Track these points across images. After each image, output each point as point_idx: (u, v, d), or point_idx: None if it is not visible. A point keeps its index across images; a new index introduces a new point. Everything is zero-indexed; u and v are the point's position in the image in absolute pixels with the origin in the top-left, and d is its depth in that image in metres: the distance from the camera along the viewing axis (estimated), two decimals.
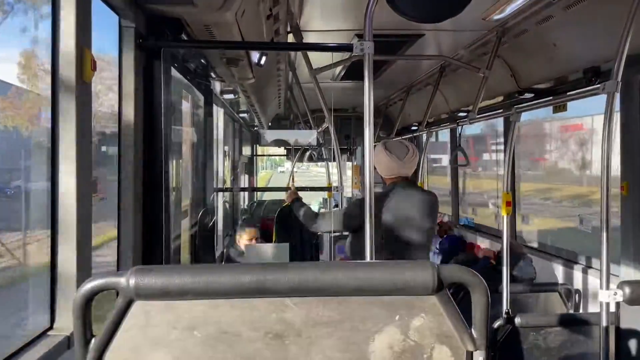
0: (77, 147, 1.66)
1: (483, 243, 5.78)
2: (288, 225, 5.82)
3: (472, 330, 1.12)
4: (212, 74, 3.75)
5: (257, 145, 10.37)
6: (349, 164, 9.40)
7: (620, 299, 1.93)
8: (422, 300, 1.11)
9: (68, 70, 1.65)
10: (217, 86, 4.57)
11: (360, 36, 3.20)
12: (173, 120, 2.81)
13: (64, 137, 1.65)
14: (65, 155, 1.65)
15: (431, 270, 1.10)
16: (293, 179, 6.99)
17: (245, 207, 9.64)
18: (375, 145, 3.71)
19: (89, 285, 1.05)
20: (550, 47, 3.54)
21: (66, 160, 1.65)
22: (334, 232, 3.61)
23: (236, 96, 5.22)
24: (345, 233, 3.95)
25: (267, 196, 10.68)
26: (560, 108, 3.70)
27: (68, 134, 1.65)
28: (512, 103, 4.30)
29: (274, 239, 5.96)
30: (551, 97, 3.66)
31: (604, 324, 2.14)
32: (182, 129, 3.43)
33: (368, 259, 2.22)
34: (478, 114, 4.18)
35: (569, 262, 4.24)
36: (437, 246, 5.90)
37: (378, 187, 3.42)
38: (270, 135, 7.77)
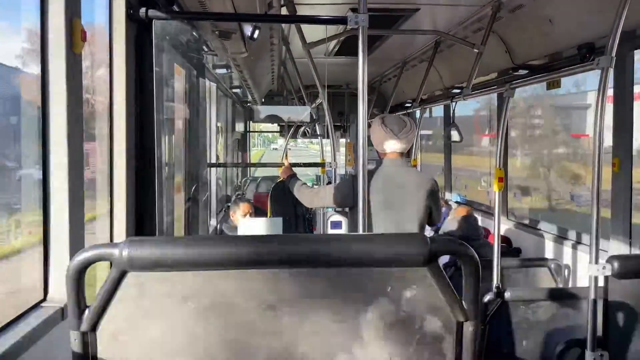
0: (68, 120, 1.64)
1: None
2: (282, 200, 5.83)
3: (463, 301, 1.14)
4: (204, 48, 3.70)
5: (251, 121, 10.32)
6: (343, 141, 9.39)
7: (608, 272, 1.96)
8: (413, 272, 1.12)
9: (57, 41, 1.62)
10: (209, 60, 4.52)
11: (354, 10, 3.16)
12: (165, 94, 2.78)
13: (55, 110, 1.64)
14: (56, 127, 1.64)
15: (423, 242, 1.11)
16: (287, 155, 6.98)
17: (239, 183, 9.63)
18: (371, 121, 3.70)
19: (82, 257, 1.05)
20: (545, 22, 3.52)
21: (57, 132, 1.64)
22: (327, 208, 3.62)
23: (229, 71, 5.16)
24: (339, 209, 3.96)
25: (260, 172, 10.68)
26: (554, 84, 3.70)
27: (59, 107, 1.64)
28: (506, 79, 4.29)
29: (268, 215, 5.98)
30: (545, 74, 3.65)
31: (592, 297, 2.18)
32: (174, 104, 3.40)
33: (361, 232, 2.23)
34: (472, 91, 4.17)
35: (560, 238, 4.29)
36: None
37: (372, 165, 3.42)
38: (263, 111, 7.73)
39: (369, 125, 3.25)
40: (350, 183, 3.29)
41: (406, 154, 3.41)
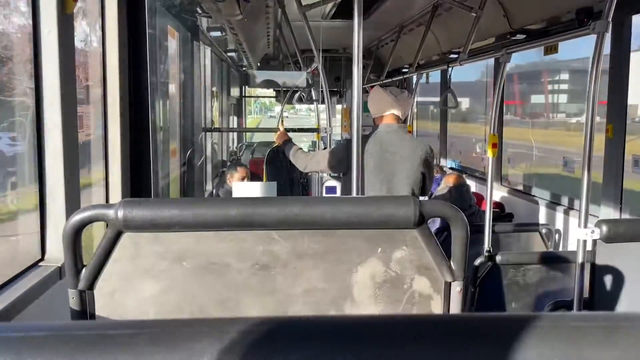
0: (61, 80, 1.63)
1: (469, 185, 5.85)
2: (277, 165, 5.84)
3: (452, 262, 1.17)
4: (198, 10, 3.64)
5: (246, 86, 10.23)
6: (339, 107, 9.33)
7: (597, 236, 1.99)
8: (403, 234, 1.15)
9: (49, 1, 1.60)
10: (203, 23, 4.44)
11: None
12: (158, 56, 2.75)
13: (47, 70, 1.62)
14: (49, 88, 1.63)
15: (412, 204, 1.13)
16: (282, 120, 6.95)
17: (235, 148, 9.62)
18: (365, 90, 3.67)
19: (78, 217, 1.07)
20: None
21: (50, 93, 1.63)
22: (321, 172, 3.63)
23: (223, 34, 5.09)
24: (334, 174, 3.98)
25: (256, 138, 10.64)
26: (551, 50, 3.67)
27: (51, 67, 1.62)
28: (503, 44, 4.25)
29: (264, 179, 6.00)
30: (542, 38, 3.62)
31: (580, 260, 2.22)
32: (168, 66, 3.36)
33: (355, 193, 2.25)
34: (469, 56, 4.14)
35: (553, 204, 4.33)
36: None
37: (367, 131, 3.42)
38: (259, 75, 7.64)
39: (365, 91, 3.24)
40: (345, 148, 3.29)
41: (403, 122, 3.41)
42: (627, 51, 3.28)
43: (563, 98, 7.32)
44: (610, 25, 2.22)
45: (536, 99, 7.45)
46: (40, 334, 0.43)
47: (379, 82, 7.47)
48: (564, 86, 7.22)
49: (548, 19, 3.82)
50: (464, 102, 8.48)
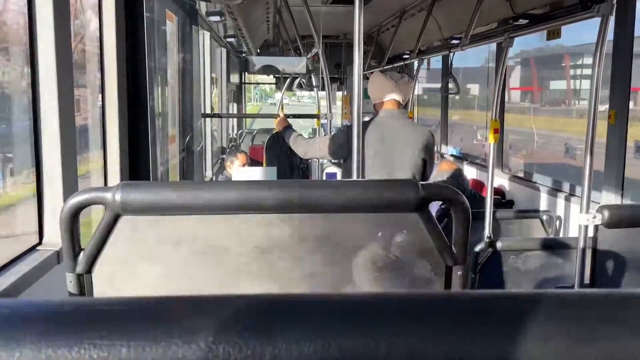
0: (57, 59, 1.61)
1: (470, 172, 5.85)
2: (277, 152, 5.83)
3: (452, 246, 1.16)
4: None
5: (246, 73, 10.17)
6: (339, 93, 9.28)
7: (598, 222, 1.98)
8: (404, 218, 1.13)
9: None
10: (202, 7, 4.40)
11: None
12: (157, 41, 2.73)
13: (43, 50, 1.60)
14: (45, 71, 1.61)
15: (414, 188, 1.11)
16: (282, 107, 6.93)
17: (234, 135, 9.60)
18: (366, 76, 3.64)
19: (75, 200, 1.06)
20: None
21: (47, 76, 1.61)
22: (321, 158, 3.62)
23: (222, 19, 5.03)
24: (334, 160, 3.97)
25: (257, 125, 10.62)
26: (554, 34, 3.63)
27: (46, 47, 1.60)
28: (505, 29, 4.21)
29: (264, 165, 5.99)
30: (545, 23, 3.58)
31: (581, 246, 2.22)
32: (166, 51, 3.33)
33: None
34: (471, 41, 4.10)
35: (554, 190, 4.32)
36: None
37: (367, 117, 3.40)
38: (259, 61, 7.60)
39: (365, 77, 3.22)
40: (345, 133, 3.27)
41: (403, 107, 3.38)
42: (630, 35, 3.25)
43: (586, 84, 7.07)
44: (615, 7, 2.19)
45: (556, 84, 7.10)
46: (29, 310, 0.41)
47: (379, 68, 7.42)
48: (587, 71, 7.00)
49: (551, 3, 3.78)
50: (473, 89, 8.30)
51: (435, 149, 6.40)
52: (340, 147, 3.26)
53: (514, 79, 7.21)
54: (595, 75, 2.29)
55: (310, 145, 3.52)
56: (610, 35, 2.55)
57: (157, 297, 0.44)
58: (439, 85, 6.63)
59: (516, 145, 6.68)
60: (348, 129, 3.26)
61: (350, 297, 0.45)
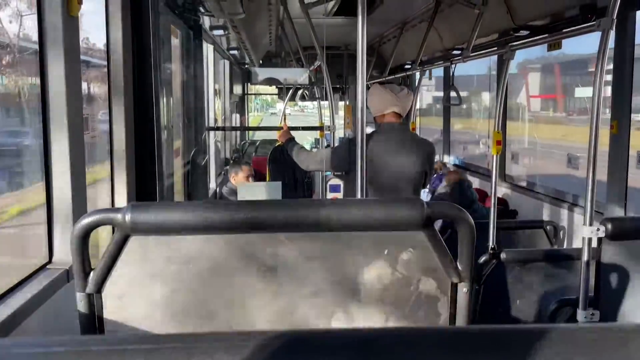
0: (66, 84, 1.64)
1: (473, 182, 5.85)
2: (281, 164, 5.85)
3: (458, 263, 1.17)
4: (201, 9, 3.64)
5: (248, 84, 10.22)
6: (342, 103, 9.31)
7: (602, 234, 1.99)
8: (410, 236, 1.15)
9: (54, 4, 1.60)
10: (206, 22, 4.44)
11: None
12: (162, 57, 2.76)
13: (52, 75, 1.63)
14: (54, 91, 1.64)
15: (419, 206, 1.13)
16: (285, 118, 6.95)
17: (237, 146, 9.62)
18: (368, 86, 3.66)
19: (86, 221, 1.08)
20: None
21: (56, 97, 1.64)
22: (324, 171, 3.63)
23: (226, 32, 5.08)
24: (337, 173, 3.98)
25: (259, 135, 10.64)
26: (555, 46, 3.66)
27: (56, 72, 1.63)
28: (507, 41, 4.23)
29: (267, 178, 6.00)
30: (546, 35, 3.60)
31: (586, 258, 2.22)
32: (171, 66, 3.36)
33: (359, 197, 2.26)
34: (472, 52, 4.13)
35: (557, 200, 4.32)
36: (428, 186, 5.97)
37: (370, 128, 3.42)
38: (261, 73, 7.64)
39: (367, 87, 3.24)
40: (347, 146, 3.29)
41: (405, 119, 3.41)
42: (631, 47, 3.27)
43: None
44: (615, 22, 2.21)
45: (582, 92, 6.78)
46: (58, 349, 0.43)
47: (381, 79, 7.45)
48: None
49: (551, 15, 3.81)
50: (475, 96, 8.17)
51: (437, 158, 6.39)
52: (342, 160, 3.28)
53: (534, 86, 6.97)
54: (597, 87, 2.31)
55: (312, 158, 3.54)
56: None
57: (178, 335, 0.46)
58: (464, 93, 6.47)
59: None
60: (350, 141, 3.28)
61: (360, 333, 0.46)
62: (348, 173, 3.36)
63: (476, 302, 2.95)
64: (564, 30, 3.14)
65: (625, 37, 3.26)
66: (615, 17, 2.20)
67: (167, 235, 1.10)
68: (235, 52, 7.50)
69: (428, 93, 9.25)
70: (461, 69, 5.17)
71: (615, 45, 3.30)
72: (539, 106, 6.84)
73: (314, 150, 3.80)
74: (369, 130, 3.18)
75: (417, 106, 6.59)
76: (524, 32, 4.14)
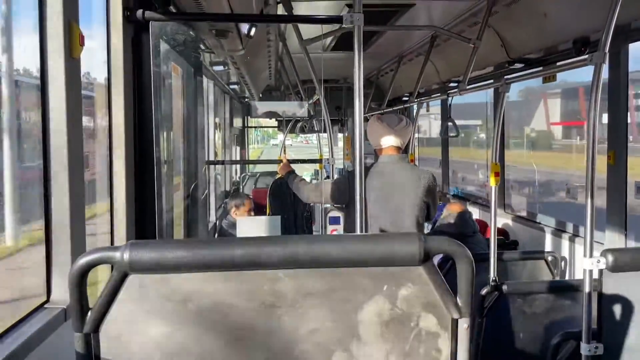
0: (67, 124, 1.66)
1: (473, 212, 5.85)
2: (281, 197, 5.86)
3: (458, 298, 1.17)
4: (201, 46, 3.71)
5: (248, 117, 10.32)
6: (340, 135, 9.39)
7: (603, 266, 1.98)
8: (409, 271, 1.15)
9: (56, 45, 1.64)
10: (206, 58, 4.52)
11: (350, 5, 3.17)
12: (163, 92, 2.80)
13: (54, 114, 1.65)
14: (55, 131, 1.66)
15: (417, 241, 1.13)
16: (285, 150, 7.00)
17: (237, 179, 9.65)
18: (367, 118, 3.70)
19: (84, 260, 1.08)
20: (540, 17, 3.53)
21: (57, 136, 1.66)
22: (324, 203, 3.65)
23: (226, 68, 5.17)
24: (337, 205, 3.99)
25: (259, 168, 10.69)
26: (549, 78, 3.72)
27: (58, 111, 1.65)
28: (502, 73, 4.30)
29: (267, 211, 6.00)
30: (541, 68, 3.66)
31: (587, 290, 2.21)
32: (172, 102, 3.41)
33: (358, 231, 2.26)
34: (469, 84, 4.19)
35: (558, 231, 4.31)
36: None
37: (370, 159, 3.45)
38: (261, 106, 7.73)
39: (365, 120, 3.28)
40: (346, 180, 3.31)
41: (404, 150, 3.43)
42: (625, 79, 3.32)
43: None
44: (607, 55, 2.25)
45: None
46: None
47: (379, 111, 7.53)
48: None
49: (545, 48, 3.88)
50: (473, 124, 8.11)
51: (438, 189, 6.40)
52: (342, 193, 3.29)
53: (554, 112, 6.78)
54: (592, 119, 2.33)
55: (312, 190, 3.56)
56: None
57: None
58: (478, 122, 6.38)
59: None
60: (350, 174, 3.30)
61: None
62: (347, 206, 3.37)
63: (479, 335, 2.92)
64: (558, 64, 3.20)
65: (619, 69, 3.32)
66: (607, 51, 2.24)
67: (166, 274, 1.10)
68: (235, 86, 7.61)
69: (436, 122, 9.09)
70: (475, 96, 4.98)
71: (609, 77, 3.35)
72: (561, 134, 6.58)
73: (314, 182, 3.82)
74: (369, 161, 3.21)
75: (416, 136, 6.63)
76: (519, 65, 4.21)
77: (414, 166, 3.51)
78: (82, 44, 1.72)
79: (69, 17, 1.66)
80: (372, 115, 4.06)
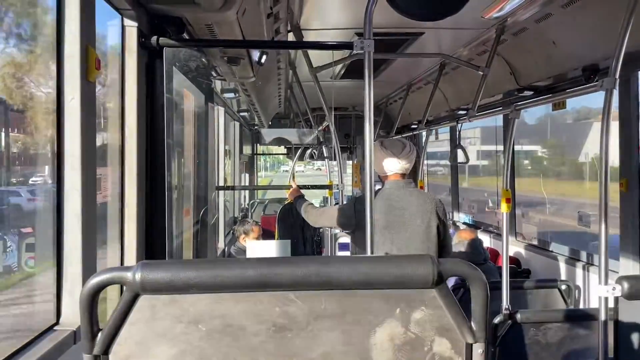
0: (82, 146, 1.68)
1: (484, 240, 5.79)
2: (290, 222, 5.85)
3: (472, 323, 1.14)
4: (213, 73, 3.76)
5: (258, 144, 10.39)
6: (350, 162, 9.42)
7: (618, 294, 1.94)
8: (422, 294, 1.13)
9: (72, 69, 1.67)
10: (218, 85, 4.58)
11: (360, 34, 3.21)
12: (174, 118, 2.83)
13: (69, 136, 1.67)
14: (70, 153, 1.67)
15: (431, 264, 1.12)
16: (294, 176, 7.02)
17: (246, 205, 9.66)
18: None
19: (95, 280, 1.07)
20: (549, 44, 3.55)
21: (71, 158, 1.67)
22: (331, 228, 3.63)
23: (237, 95, 5.23)
24: (345, 231, 3.97)
25: (268, 195, 10.71)
26: (559, 105, 3.72)
27: (73, 133, 1.67)
28: (511, 100, 4.32)
29: (276, 236, 5.99)
30: (550, 95, 3.67)
31: (603, 318, 2.16)
32: (183, 128, 3.44)
33: (369, 254, 2.24)
34: (478, 112, 4.20)
35: (571, 259, 4.26)
36: None
37: (378, 186, 3.44)
38: (270, 134, 7.81)
39: None
40: (352, 206, 3.29)
41: (409, 175, 3.40)
42: (635, 105, 3.32)
43: None
44: (618, 82, 2.25)
45: None
46: None
47: (383, 139, 7.55)
48: None
49: (555, 76, 3.90)
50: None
51: (449, 217, 6.32)
52: (348, 219, 3.27)
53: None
54: (603, 145, 2.33)
55: (320, 215, 3.55)
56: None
57: None
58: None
59: None
60: (357, 200, 3.28)
61: None
62: (354, 232, 3.34)
63: None
64: (568, 90, 3.20)
65: (629, 96, 3.32)
66: (618, 77, 2.25)
67: (177, 294, 1.09)
68: (245, 113, 7.69)
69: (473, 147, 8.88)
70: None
71: (620, 104, 3.35)
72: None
73: (322, 207, 3.81)
74: (376, 188, 3.19)
75: (425, 164, 6.63)
76: (528, 92, 4.23)
77: (420, 191, 3.46)
78: (98, 67, 1.75)
79: (85, 41, 1.70)
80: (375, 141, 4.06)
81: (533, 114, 6.68)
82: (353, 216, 3.21)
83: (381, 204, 3.17)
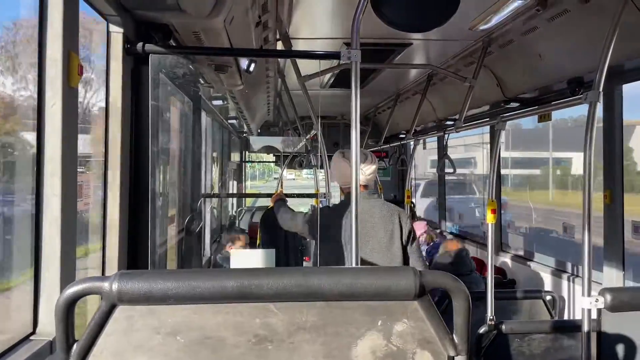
0: (62, 152, 1.66)
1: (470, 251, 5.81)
2: (272, 229, 5.80)
3: (454, 335, 1.14)
4: (201, 80, 3.75)
5: (246, 152, 10.37)
6: None
7: (601, 305, 1.95)
8: (404, 306, 1.12)
9: (54, 74, 1.65)
10: (205, 92, 4.57)
11: (348, 44, 3.22)
12: (161, 125, 2.81)
13: (49, 142, 1.65)
14: (50, 159, 1.65)
15: (413, 276, 1.11)
16: (282, 184, 7.01)
17: (234, 213, 9.61)
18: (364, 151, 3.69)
19: (71, 290, 1.05)
20: (535, 57, 3.59)
21: (51, 164, 1.65)
22: (299, 233, 3.63)
23: (225, 102, 5.22)
24: (307, 236, 3.94)
25: (258, 202, 10.67)
26: (544, 117, 3.76)
27: (53, 139, 1.65)
28: (498, 112, 4.35)
29: (257, 242, 5.96)
30: (536, 107, 3.71)
31: (586, 329, 2.17)
32: (170, 135, 3.42)
33: (354, 264, 2.23)
34: (464, 123, 4.23)
35: (556, 270, 4.28)
36: (424, 253, 5.93)
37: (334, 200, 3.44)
38: (259, 141, 7.79)
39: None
40: (315, 215, 3.28)
41: (373, 186, 3.38)
42: (619, 118, 3.37)
43: None
44: (602, 95, 2.28)
45: None
46: None
47: (377, 148, 7.59)
48: None
49: (540, 88, 3.94)
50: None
51: (428, 227, 6.29)
52: (313, 227, 3.24)
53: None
54: (587, 157, 2.34)
55: (289, 219, 3.54)
56: None
57: None
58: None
59: None
60: (322, 210, 3.30)
61: None
62: (316, 240, 3.30)
63: None
64: (553, 103, 3.23)
65: (613, 109, 3.36)
66: (601, 90, 2.27)
67: (155, 305, 1.08)
68: (233, 121, 7.67)
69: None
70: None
71: (604, 117, 3.39)
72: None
73: (295, 212, 3.77)
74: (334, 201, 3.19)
75: (413, 174, 6.66)
76: (514, 104, 4.27)
77: (385, 202, 3.43)
78: (80, 73, 1.73)
79: (68, 47, 1.68)
80: (339, 152, 3.94)
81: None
82: (316, 226, 3.18)
83: (345, 217, 3.10)
